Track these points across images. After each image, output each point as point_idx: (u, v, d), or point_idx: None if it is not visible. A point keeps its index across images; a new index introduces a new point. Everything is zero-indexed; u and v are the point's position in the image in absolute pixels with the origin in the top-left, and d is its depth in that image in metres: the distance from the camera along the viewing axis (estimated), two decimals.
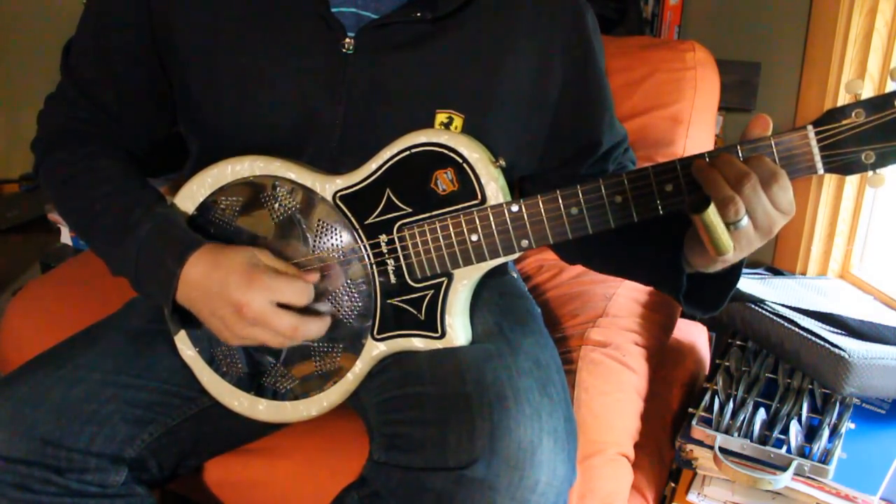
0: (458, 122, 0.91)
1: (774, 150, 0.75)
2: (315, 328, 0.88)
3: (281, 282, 0.85)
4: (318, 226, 0.90)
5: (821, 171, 0.75)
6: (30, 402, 0.90)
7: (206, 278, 0.85)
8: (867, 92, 0.75)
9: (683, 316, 1.53)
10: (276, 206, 0.91)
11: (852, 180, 1.57)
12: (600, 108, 1.01)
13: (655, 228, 0.86)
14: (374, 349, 0.91)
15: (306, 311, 0.88)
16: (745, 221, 0.75)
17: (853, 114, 0.74)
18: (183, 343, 0.97)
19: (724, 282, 0.86)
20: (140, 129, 1.02)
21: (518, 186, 1.03)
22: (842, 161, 0.75)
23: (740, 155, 0.76)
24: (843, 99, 1.47)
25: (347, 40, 0.91)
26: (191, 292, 0.87)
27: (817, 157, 0.75)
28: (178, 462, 1.01)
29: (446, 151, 0.85)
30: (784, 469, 1.12)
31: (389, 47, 0.91)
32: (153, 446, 0.96)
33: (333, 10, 0.92)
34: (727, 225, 0.75)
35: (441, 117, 0.91)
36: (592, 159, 1.01)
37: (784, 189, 0.75)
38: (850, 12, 1.46)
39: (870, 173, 0.76)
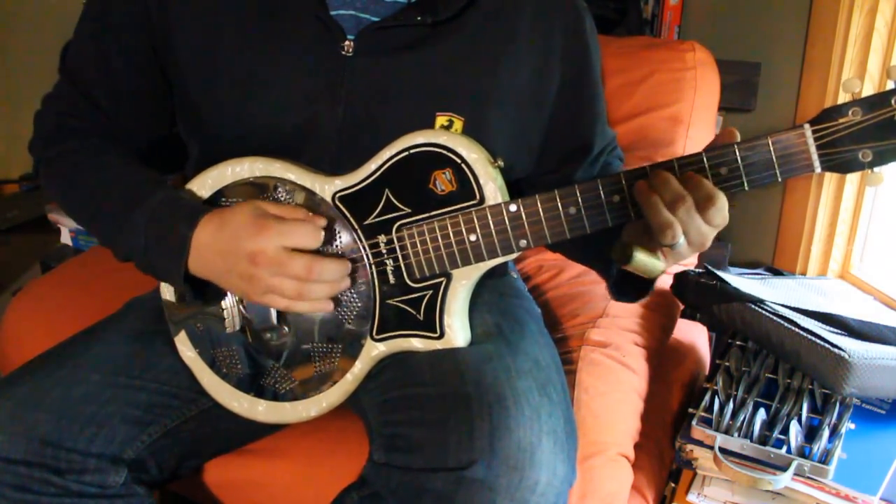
0: (458, 124, 0.91)
1: (772, 149, 0.76)
2: (331, 267, 0.85)
3: (290, 225, 0.84)
4: (312, 215, 0.90)
5: (818, 170, 0.76)
6: (29, 403, 0.90)
7: (217, 237, 0.85)
8: (867, 91, 0.75)
9: (683, 316, 1.53)
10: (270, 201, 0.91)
11: (852, 180, 1.57)
12: (594, 111, 1.02)
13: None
14: (374, 350, 0.91)
15: (302, 316, 0.89)
16: (682, 242, 0.77)
17: (850, 112, 0.74)
18: (183, 344, 0.97)
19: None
20: (138, 130, 1.02)
21: (515, 190, 1.03)
22: (839, 159, 0.75)
23: (738, 156, 0.76)
24: (842, 99, 1.47)
25: (347, 43, 0.91)
26: (204, 255, 0.86)
27: (814, 156, 0.75)
28: (178, 463, 1.01)
29: (445, 152, 0.85)
30: (784, 469, 1.12)
31: (389, 50, 0.92)
32: (153, 447, 0.96)
33: (332, 12, 0.92)
34: (665, 246, 0.77)
35: (441, 120, 0.91)
36: (584, 163, 1.02)
37: (720, 210, 0.77)
38: (850, 12, 1.46)
39: (868, 172, 0.76)
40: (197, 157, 1.01)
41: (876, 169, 0.75)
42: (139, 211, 0.89)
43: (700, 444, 1.19)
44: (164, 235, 0.88)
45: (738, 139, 0.77)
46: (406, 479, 0.81)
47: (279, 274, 0.83)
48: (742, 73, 1.63)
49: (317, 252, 0.87)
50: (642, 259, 0.77)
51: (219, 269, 0.86)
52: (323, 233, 0.86)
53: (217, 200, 0.93)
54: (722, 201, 0.76)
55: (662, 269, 0.79)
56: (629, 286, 0.92)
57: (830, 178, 1.59)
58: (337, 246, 0.90)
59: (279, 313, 0.91)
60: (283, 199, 0.91)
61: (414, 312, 0.89)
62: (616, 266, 0.91)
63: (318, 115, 0.92)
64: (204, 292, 0.92)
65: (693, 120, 1.49)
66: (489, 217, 0.84)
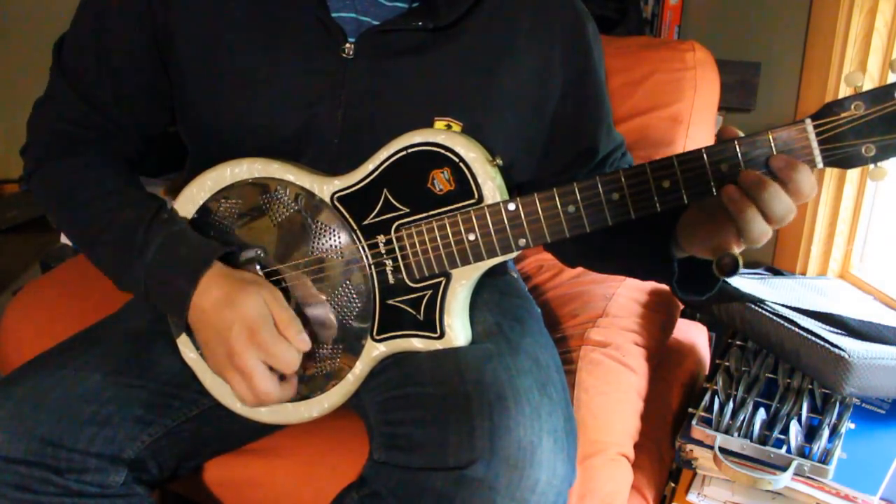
0: (457, 129, 0.91)
1: (772, 144, 0.75)
2: (285, 396, 0.89)
3: (279, 348, 0.85)
4: (316, 227, 0.90)
5: (820, 165, 0.75)
6: (30, 403, 0.90)
7: (215, 313, 0.86)
8: (867, 87, 0.74)
9: (683, 316, 1.53)
10: (275, 207, 0.91)
11: (852, 180, 1.57)
12: (598, 116, 1.02)
13: (643, 221, 0.86)
14: (374, 350, 0.91)
15: (302, 317, 0.90)
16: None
17: (852, 106, 0.73)
18: (185, 346, 0.97)
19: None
20: (137, 129, 1.01)
21: (517, 192, 1.03)
22: (841, 154, 0.74)
23: (738, 152, 0.76)
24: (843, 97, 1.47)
25: (348, 45, 0.91)
26: (199, 316, 0.88)
27: (816, 151, 0.75)
28: (178, 463, 1.01)
29: (443, 151, 0.85)
30: (784, 469, 1.12)
31: (389, 54, 0.92)
32: (153, 447, 0.96)
33: (334, 14, 0.92)
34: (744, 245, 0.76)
35: (440, 125, 0.91)
36: (589, 167, 1.01)
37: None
38: (850, 12, 1.46)
39: (871, 166, 0.75)
40: (196, 156, 1.01)
41: (879, 163, 0.74)
42: (137, 264, 0.90)
43: (700, 443, 1.19)
44: (164, 290, 0.89)
45: (739, 135, 0.77)
46: (406, 479, 0.81)
47: (243, 382, 0.86)
48: (742, 73, 1.63)
49: (314, 256, 0.89)
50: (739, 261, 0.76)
51: (201, 333, 0.89)
52: (299, 362, 0.87)
53: (217, 201, 0.93)
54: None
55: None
56: (690, 281, 0.90)
57: (830, 178, 1.59)
58: (336, 247, 0.90)
59: None
60: (281, 199, 0.91)
61: (414, 312, 0.89)
62: (676, 262, 0.88)
63: (318, 116, 0.92)
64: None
65: (693, 120, 1.49)
66: (488, 216, 0.84)
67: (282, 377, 0.88)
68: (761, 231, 0.75)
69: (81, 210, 0.95)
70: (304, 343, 0.87)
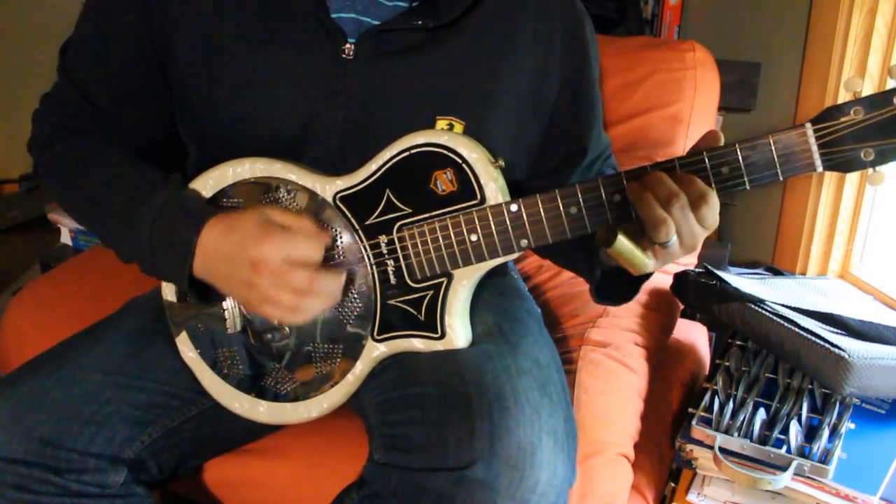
0: (458, 128, 0.92)
1: (773, 148, 0.75)
2: (330, 281, 0.85)
3: (294, 237, 0.83)
4: (318, 227, 0.90)
5: (820, 169, 0.75)
6: (29, 403, 0.90)
7: (222, 242, 0.84)
8: (867, 91, 0.75)
9: (683, 316, 1.53)
10: (277, 207, 0.91)
11: (852, 180, 1.58)
12: (591, 116, 1.02)
13: None
14: (375, 350, 0.91)
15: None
16: (674, 241, 0.76)
17: (852, 111, 0.74)
18: (184, 345, 0.97)
19: (637, 278, 0.88)
20: (138, 130, 1.02)
21: (514, 192, 1.03)
22: (841, 159, 0.75)
23: (739, 155, 0.76)
24: (843, 99, 1.47)
25: (348, 46, 0.91)
26: (208, 258, 0.85)
27: (816, 155, 0.75)
28: (178, 463, 1.01)
29: (445, 152, 0.85)
30: (784, 469, 1.12)
31: (390, 53, 0.92)
32: (153, 447, 0.96)
33: (333, 15, 0.92)
34: (656, 244, 0.76)
35: (441, 124, 0.91)
36: (580, 167, 1.02)
37: (713, 209, 0.76)
38: (850, 12, 1.46)
39: (870, 171, 0.75)
40: (196, 157, 1.01)
41: (878, 168, 0.75)
42: (143, 211, 0.88)
43: (700, 443, 1.19)
44: (169, 237, 0.87)
45: (721, 142, 0.77)
46: (406, 479, 0.81)
47: (279, 285, 0.82)
48: (742, 73, 1.63)
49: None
50: (625, 244, 0.76)
51: (221, 274, 0.86)
52: (324, 247, 0.85)
53: (218, 201, 0.93)
54: (714, 200, 0.76)
55: (649, 266, 0.78)
56: (612, 288, 0.92)
57: (830, 178, 1.59)
58: (338, 247, 0.90)
59: None
60: (284, 199, 0.91)
61: (415, 313, 0.89)
62: (600, 266, 0.91)
63: (319, 117, 0.92)
64: (206, 293, 0.92)
65: (693, 120, 1.49)
66: (490, 217, 0.84)
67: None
68: (657, 217, 0.75)
69: (90, 180, 0.95)
70: (323, 235, 0.86)
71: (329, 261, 0.90)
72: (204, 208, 0.89)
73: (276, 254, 0.81)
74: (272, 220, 0.84)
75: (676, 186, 0.76)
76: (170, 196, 0.89)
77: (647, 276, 0.88)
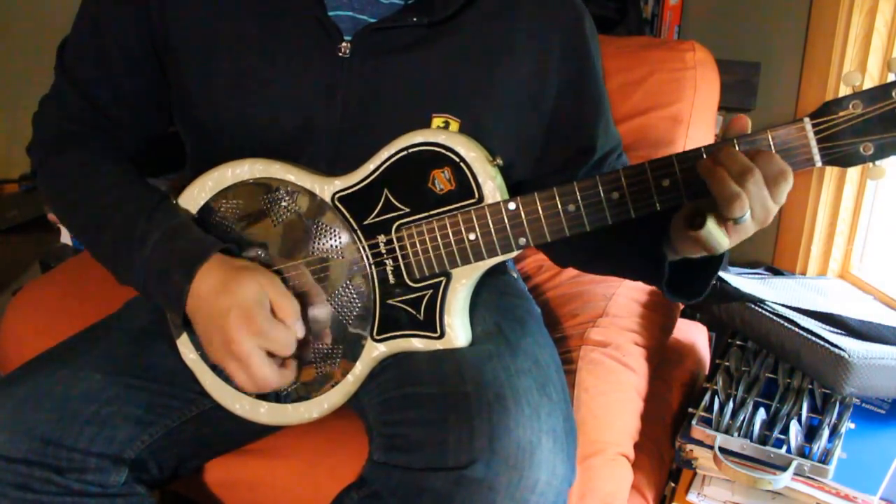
0: (454, 126, 0.91)
1: (771, 143, 0.75)
2: (284, 382, 0.89)
3: (275, 332, 0.85)
4: (317, 227, 0.90)
5: (819, 164, 0.75)
6: (30, 402, 0.90)
7: (212, 300, 0.85)
8: (866, 87, 0.75)
9: (683, 316, 1.53)
10: (276, 208, 0.91)
11: (852, 180, 1.57)
12: (596, 113, 1.01)
13: (635, 221, 0.86)
14: (374, 350, 0.91)
15: (303, 317, 0.90)
16: (748, 216, 0.75)
17: (850, 105, 0.73)
18: (185, 346, 0.97)
19: (709, 266, 0.86)
20: (137, 129, 1.02)
21: (516, 191, 1.03)
22: (840, 153, 0.75)
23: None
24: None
25: (344, 44, 0.91)
26: (196, 306, 0.87)
27: (815, 150, 0.75)
28: (179, 463, 1.01)
29: (443, 151, 0.85)
30: (784, 469, 1.12)
31: (386, 51, 0.92)
32: (153, 447, 0.96)
33: (330, 13, 0.92)
34: (729, 220, 0.75)
35: (437, 122, 0.91)
36: (588, 165, 1.01)
37: (789, 186, 0.75)
38: (850, 12, 1.46)
39: (869, 165, 0.75)
40: (195, 156, 1.01)
41: (877, 162, 0.75)
42: (136, 255, 0.89)
43: (700, 443, 1.19)
44: (162, 283, 0.88)
45: (749, 129, 0.77)
46: (406, 479, 0.81)
47: (240, 369, 0.86)
48: (742, 72, 1.63)
49: (314, 256, 0.89)
50: (713, 228, 0.75)
51: (199, 321, 0.88)
52: (294, 345, 0.87)
53: (218, 202, 0.93)
54: (791, 177, 0.75)
55: (726, 244, 0.77)
56: (682, 284, 0.89)
57: (830, 178, 1.59)
58: (336, 247, 0.90)
59: None
60: (282, 200, 0.91)
61: (414, 312, 0.89)
62: (667, 263, 0.87)
63: (316, 115, 0.92)
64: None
65: (693, 120, 1.49)
66: (488, 216, 0.84)
67: (281, 363, 0.88)
68: (731, 192, 0.74)
69: (84, 204, 0.95)
70: (300, 328, 0.88)
71: (327, 261, 0.90)
72: (194, 247, 0.89)
73: (252, 343, 0.84)
74: (264, 304, 0.85)
75: (749, 161, 0.74)
76: (160, 237, 0.89)
77: (719, 264, 0.86)
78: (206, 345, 0.89)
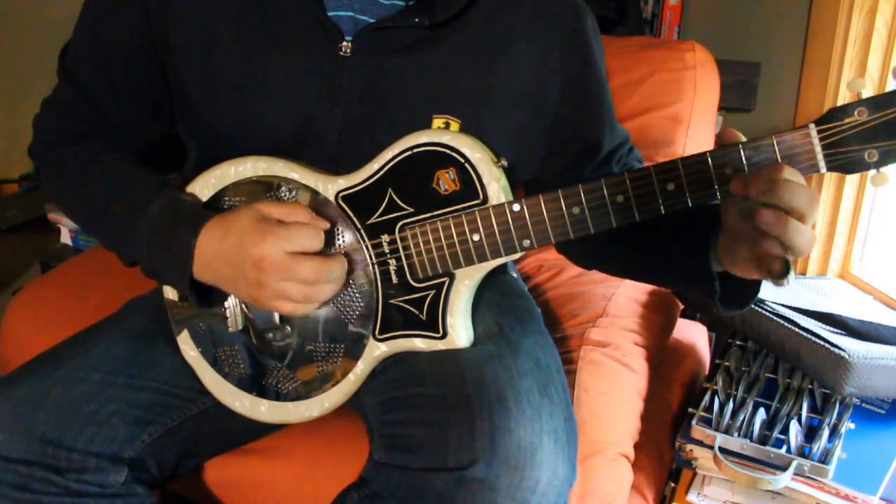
0: (454, 126, 0.91)
1: (776, 149, 0.75)
2: (335, 267, 0.85)
3: (292, 230, 0.83)
4: (312, 215, 0.90)
5: (823, 170, 0.75)
6: (30, 402, 0.90)
7: (221, 245, 0.84)
8: (867, 92, 0.75)
9: (683, 316, 1.53)
10: (269, 201, 0.91)
11: (852, 180, 1.58)
12: (600, 111, 1.01)
13: (677, 232, 0.85)
14: (376, 350, 0.91)
15: (304, 316, 0.89)
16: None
17: (855, 112, 0.73)
18: (185, 343, 0.97)
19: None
20: (138, 131, 1.02)
21: (522, 190, 1.03)
22: (844, 160, 0.75)
23: (742, 156, 0.76)
24: (843, 99, 1.48)
25: (345, 44, 0.91)
26: (209, 262, 0.86)
27: (819, 156, 0.75)
28: (178, 462, 1.01)
29: (448, 151, 0.85)
30: (784, 469, 1.12)
31: (387, 51, 0.92)
32: (153, 447, 0.96)
33: (330, 13, 0.92)
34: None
35: (438, 122, 0.91)
36: (594, 163, 1.01)
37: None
38: (850, 12, 1.46)
39: (873, 172, 0.75)
40: (196, 157, 1.01)
41: (881, 169, 0.75)
42: (141, 220, 0.88)
43: (700, 443, 1.19)
44: (168, 243, 0.87)
45: (742, 139, 0.77)
46: (406, 479, 0.81)
47: (286, 279, 0.82)
48: (742, 73, 1.64)
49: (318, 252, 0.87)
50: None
51: (225, 276, 0.86)
52: (323, 235, 0.86)
53: (220, 199, 0.93)
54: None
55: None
56: (732, 294, 0.86)
57: (830, 178, 1.59)
58: (340, 246, 0.90)
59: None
60: (285, 198, 0.91)
61: (416, 312, 0.89)
62: (718, 279, 0.84)
63: (317, 115, 0.92)
64: (207, 296, 0.92)
65: (693, 120, 1.49)
66: (492, 217, 0.84)
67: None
68: (807, 238, 0.73)
69: (90, 187, 0.95)
70: (319, 221, 0.86)
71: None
72: (200, 211, 0.89)
73: (277, 249, 0.82)
74: (267, 216, 0.84)
75: (813, 210, 0.73)
76: (166, 202, 0.89)
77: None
78: (245, 291, 0.86)
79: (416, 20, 0.91)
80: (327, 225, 0.87)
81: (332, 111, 0.92)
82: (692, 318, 1.61)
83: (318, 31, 0.91)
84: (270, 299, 0.84)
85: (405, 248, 0.87)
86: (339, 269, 0.86)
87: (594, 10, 1.02)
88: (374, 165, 0.88)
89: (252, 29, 0.92)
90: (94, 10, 0.98)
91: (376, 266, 0.89)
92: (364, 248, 0.89)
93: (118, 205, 0.92)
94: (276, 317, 0.91)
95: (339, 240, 0.90)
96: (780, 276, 0.74)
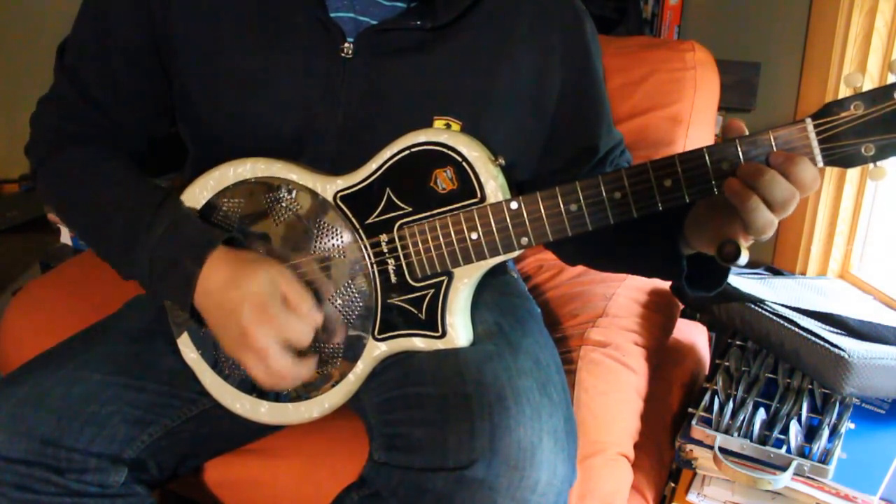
0: (455, 128, 0.92)
1: (773, 144, 0.75)
2: (305, 370, 0.88)
3: (291, 322, 0.84)
4: (319, 226, 0.90)
5: (820, 164, 0.75)
6: (30, 403, 0.90)
7: (222, 294, 0.85)
8: (866, 88, 0.75)
9: (683, 316, 1.53)
10: (278, 207, 0.91)
11: (852, 180, 1.58)
12: (597, 114, 1.02)
13: (649, 218, 0.86)
14: (376, 349, 0.91)
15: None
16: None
17: (852, 106, 0.74)
18: (186, 346, 0.97)
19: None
20: (138, 130, 1.01)
21: (519, 191, 1.03)
22: (841, 154, 0.75)
23: (739, 151, 0.76)
24: (843, 97, 1.47)
25: (346, 45, 0.91)
26: (206, 300, 0.87)
27: (816, 150, 0.75)
28: (178, 463, 1.01)
29: (446, 150, 0.85)
30: (784, 469, 1.12)
31: (388, 53, 0.92)
32: (153, 447, 0.96)
33: (332, 14, 0.92)
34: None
35: (439, 124, 0.92)
36: (590, 165, 1.01)
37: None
38: (850, 12, 1.46)
39: (870, 166, 0.75)
40: (196, 157, 1.01)
41: (878, 163, 0.75)
42: (143, 241, 0.88)
43: (700, 443, 1.19)
44: (170, 269, 0.87)
45: (746, 132, 0.77)
46: (406, 479, 0.81)
47: (259, 362, 0.84)
48: (742, 73, 1.63)
49: (316, 255, 0.89)
50: (745, 253, 0.76)
51: (211, 317, 0.87)
52: (312, 336, 0.86)
53: (219, 200, 0.93)
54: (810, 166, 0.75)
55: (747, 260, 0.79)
56: (699, 278, 0.89)
57: (830, 178, 1.59)
58: (338, 246, 0.90)
59: None
60: (284, 199, 0.91)
61: (416, 312, 0.89)
62: (684, 260, 0.88)
63: (318, 116, 0.92)
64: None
65: (693, 120, 1.49)
66: (490, 215, 0.84)
67: (298, 355, 0.87)
68: (765, 220, 0.74)
69: (87, 200, 0.95)
70: (316, 317, 0.86)
71: (329, 260, 0.90)
72: (204, 235, 0.88)
73: (267, 338, 0.83)
74: (275, 297, 0.84)
75: (791, 187, 0.74)
76: (169, 224, 0.89)
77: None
78: (221, 338, 0.88)
79: (418, 22, 0.91)
80: (321, 321, 0.88)
81: (332, 112, 0.92)
82: (692, 318, 1.61)
83: (320, 32, 0.91)
84: (240, 359, 0.86)
85: (403, 247, 0.87)
86: (305, 371, 0.88)
87: (594, 11, 1.02)
88: (373, 165, 0.88)
89: (254, 29, 0.92)
90: (94, 8, 0.97)
91: (375, 266, 0.89)
92: (363, 247, 0.89)
93: (118, 221, 0.92)
94: None
95: (337, 240, 0.90)
96: (727, 258, 0.76)
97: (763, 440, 1.16)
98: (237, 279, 0.85)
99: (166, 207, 0.90)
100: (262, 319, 0.83)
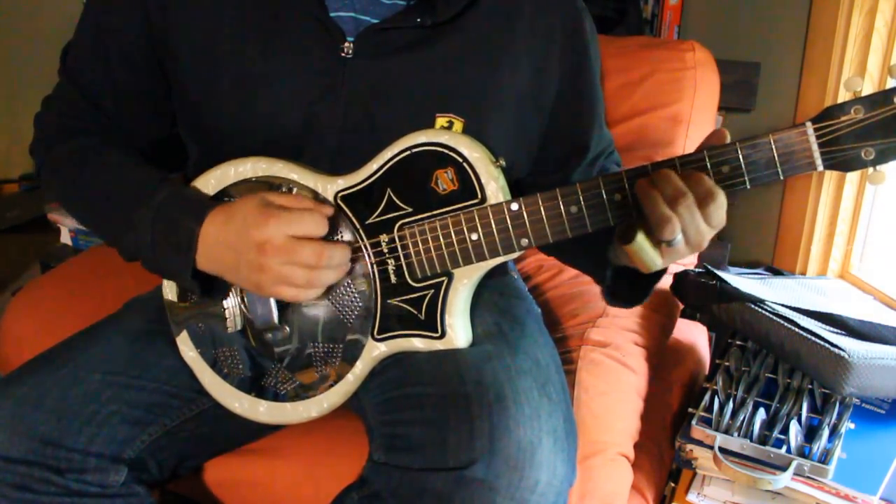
0: (458, 126, 0.92)
1: (773, 147, 0.76)
2: (338, 251, 0.85)
3: (296, 214, 0.83)
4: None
5: (820, 168, 0.76)
6: (30, 403, 0.90)
7: (225, 230, 0.84)
8: (867, 90, 0.75)
9: (683, 316, 1.53)
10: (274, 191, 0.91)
11: (852, 180, 1.58)
12: (592, 113, 1.03)
13: None
14: (375, 350, 0.91)
15: (304, 316, 0.88)
16: (680, 239, 0.76)
17: (852, 110, 0.74)
18: (185, 344, 0.97)
19: (650, 277, 0.88)
20: (139, 131, 1.02)
21: (515, 190, 1.03)
22: (841, 158, 0.75)
23: (740, 154, 0.76)
24: (842, 99, 1.47)
25: (347, 44, 0.91)
26: (212, 249, 0.86)
27: (816, 154, 0.75)
28: (178, 462, 1.01)
29: (447, 151, 0.85)
30: (784, 469, 1.12)
31: (389, 51, 0.92)
32: (153, 447, 0.96)
33: (332, 14, 0.92)
34: (661, 243, 0.76)
35: (441, 122, 0.91)
36: (581, 165, 1.02)
37: (720, 207, 0.76)
38: (850, 12, 1.46)
39: (870, 170, 0.76)
40: (197, 157, 1.01)
41: (878, 167, 0.75)
42: (145, 208, 0.88)
43: (700, 443, 1.19)
44: (172, 231, 0.87)
45: (728, 140, 0.77)
46: (406, 479, 0.81)
47: (289, 262, 0.82)
48: (742, 73, 1.63)
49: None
50: (643, 244, 0.76)
51: (228, 263, 0.85)
52: (327, 221, 0.85)
53: (220, 201, 0.93)
54: (721, 199, 0.76)
55: (658, 265, 0.79)
56: (623, 291, 0.93)
57: (830, 178, 1.59)
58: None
59: (280, 313, 0.91)
60: None
61: (415, 312, 0.89)
62: (611, 269, 0.91)
63: (318, 116, 0.92)
64: (209, 289, 0.92)
65: (693, 120, 1.49)
66: (490, 216, 0.84)
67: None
68: (662, 215, 0.75)
69: (91, 181, 0.95)
70: (316, 206, 0.86)
71: None
72: (205, 200, 0.89)
73: (280, 232, 0.82)
74: (271, 202, 0.84)
75: (684, 185, 0.75)
76: (170, 192, 0.89)
77: (659, 277, 0.88)
78: (240, 275, 0.85)
79: (418, 20, 0.91)
80: (331, 211, 0.87)
81: (333, 111, 0.92)
82: (692, 318, 1.60)
83: (320, 31, 0.92)
84: (272, 284, 0.84)
85: (404, 247, 0.87)
86: (340, 253, 0.85)
87: (594, 11, 1.03)
88: (373, 165, 0.88)
89: (254, 29, 0.92)
90: (95, 10, 0.98)
91: (375, 266, 0.89)
92: (363, 247, 0.89)
93: (122, 195, 0.92)
94: (275, 316, 0.91)
95: (338, 240, 0.90)
96: (622, 238, 0.79)
97: (763, 440, 1.16)
98: (231, 214, 0.85)
99: (167, 180, 0.91)
100: (267, 222, 0.82)
